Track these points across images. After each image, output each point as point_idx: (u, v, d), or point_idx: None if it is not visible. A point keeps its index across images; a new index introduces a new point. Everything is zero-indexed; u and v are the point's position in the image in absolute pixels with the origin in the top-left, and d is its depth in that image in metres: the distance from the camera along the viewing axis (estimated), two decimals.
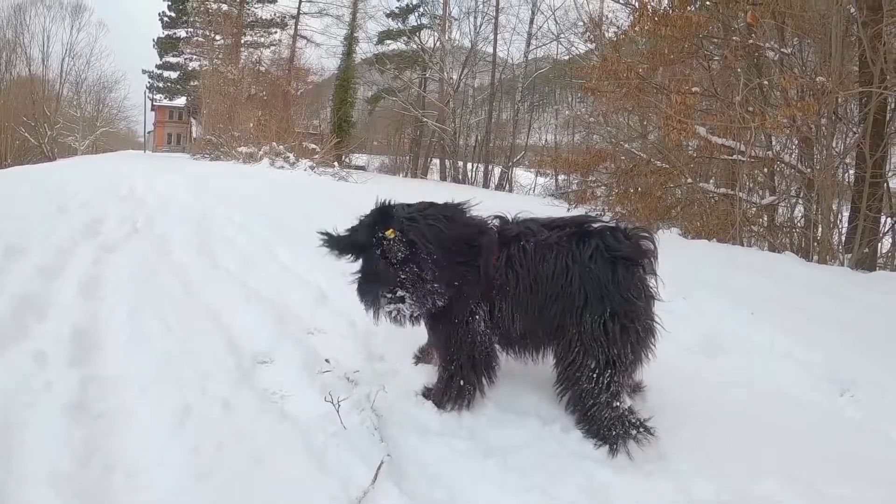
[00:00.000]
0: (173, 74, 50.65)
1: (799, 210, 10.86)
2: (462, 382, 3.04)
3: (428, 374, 3.36)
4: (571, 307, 2.88)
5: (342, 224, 3.11)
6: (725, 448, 2.81)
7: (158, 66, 51.25)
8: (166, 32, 49.00)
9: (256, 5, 45.44)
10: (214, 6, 42.48)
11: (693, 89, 11.65)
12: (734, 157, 10.57)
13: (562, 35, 32.50)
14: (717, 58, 11.94)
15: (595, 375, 2.85)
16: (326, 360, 3.51)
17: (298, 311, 4.47)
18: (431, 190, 21.38)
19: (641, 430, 2.82)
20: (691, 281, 5.83)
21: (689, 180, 11.61)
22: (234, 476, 2.38)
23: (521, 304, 2.97)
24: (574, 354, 2.88)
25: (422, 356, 3.55)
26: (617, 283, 2.86)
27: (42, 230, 6.75)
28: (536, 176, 32.44)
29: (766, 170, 11.23)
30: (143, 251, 6.40)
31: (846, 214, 9.78)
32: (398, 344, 3.56)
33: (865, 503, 2.47)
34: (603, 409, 2.85)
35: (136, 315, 4.19)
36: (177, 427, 2.76)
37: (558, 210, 11.55)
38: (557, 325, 2.93)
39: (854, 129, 9.72)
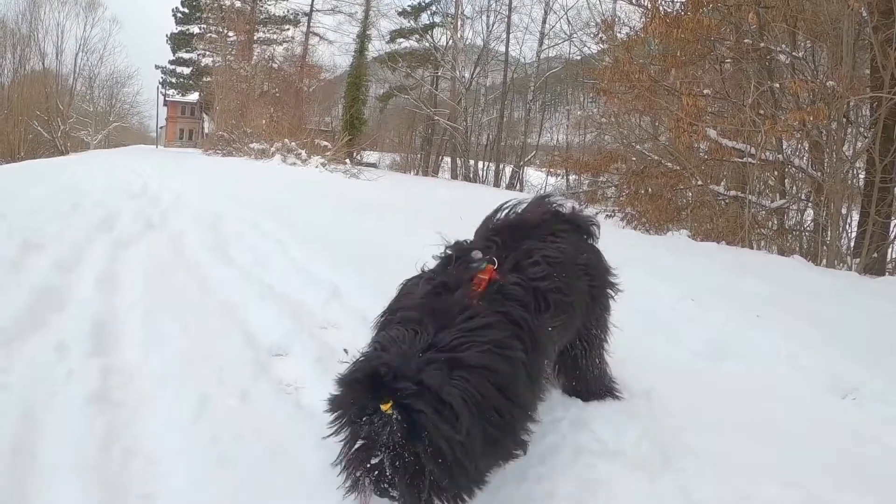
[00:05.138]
0: (186, 70, 50.96)
1: (809, 214, 10.88)
2: None
3: None
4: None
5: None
6: (728, 453, 2.84)
7: (171, 62, 51.63)
8: (179, 28, 49.30)
9: (269, 2, 45.56)
10: (227, 3, 42.61)
11: (704, 92, 11.69)
12: (744, 160, 10.60)
13: (574, 35, 32.55)
14: (728, 60, 11.97)
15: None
16: (345, 350, 3.59)
17: (312, 308, 4.56)
18: (441, 187, 21.47)
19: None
20: (699, 283, 5.89)
21: (700, 182, 11.65)
22: (253, 465, 2.46)
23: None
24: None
25: None
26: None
27: (57, 226, 6.84)
28: (547, 175, 32.44)
29: (776, 173, 11.25)
30: (158, 248, 6.51)
31: (856, 219, 9.80)
32: None
33: None
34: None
35: (154, 310, 4.28)
36: (195, 417, 2.84)
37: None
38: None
39: (865, 134, 9.73)
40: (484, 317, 2.14)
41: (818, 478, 2.69)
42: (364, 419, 1.87)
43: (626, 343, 3.17)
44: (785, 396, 3.76)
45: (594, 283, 2.94)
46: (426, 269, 2.63)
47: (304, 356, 3.60)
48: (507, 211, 2.99)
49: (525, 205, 3.05)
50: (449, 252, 2.67)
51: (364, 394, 1.87)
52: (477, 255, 2.55)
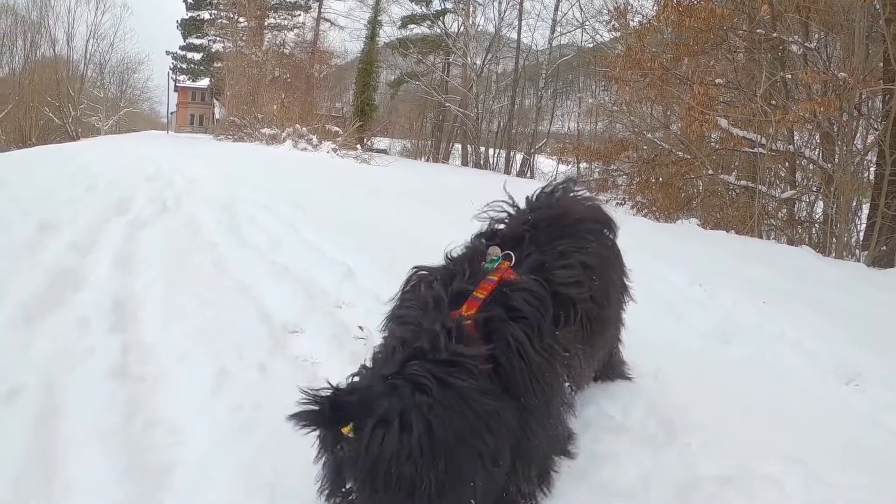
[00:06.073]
0: (197, 56, 50.86)
1: (819, 206, 10.90)
2: None
3: None
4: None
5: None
6: (733, 431, 2.89)
7: (182, 48, 51.51)
8: (190, 14, 49.13)
9: None
10: None
11: (716, 81, 11.69)
12: (755, 150, 10.61)
13: (586, 23, 32.39)
14: (740, 50, 11.96)
15: None
16: (360, 327, 3.66)
17: (326, 287, 4.64)
18: (451, 173, 21.51)
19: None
20: (708, 269, 5.96)
21: (710, 172, 11.67)
22: (273, 433, 2.50)
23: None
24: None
25: None
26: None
27: (72, 209, 6.94)
28: (558, 163, 32.37)
29: (786, 164, 11.26)
30: (172, 229, 6.62)
31: (866, 211, 9.81)
32: None
33: (862, 490, 2.53)
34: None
35: (171, 289, 4.39)
36: (215, 389, 2.93)
37: None
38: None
39: (876, 126, 9.73)
40: (451, 363, 1.88)
41: (821, 457, 2.74)
42: (334, 446, 1.80)
43: (635, 325, 3.20)
44: (790, 379, 3.83)
45: (620, 286, 2.88)
46: (452, 255, 2.47)
47: (320, 333, 3.69)
48: (546, 200, 2.80)
49: (564, 193, 2.86)
50: (469, 245, 2.53)
51: (323, 421, 1.78)
52: (494, 251, 2.35)
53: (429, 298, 2.16)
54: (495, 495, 2.03)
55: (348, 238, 6.09)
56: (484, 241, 2.51)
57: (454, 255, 2.47)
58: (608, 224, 2.91)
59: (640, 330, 3.28)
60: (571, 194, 2.89)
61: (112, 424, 2.65)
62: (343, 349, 3.40)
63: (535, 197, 2.83)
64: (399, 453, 1.68)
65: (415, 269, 2.42)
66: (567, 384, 2.33)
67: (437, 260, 2.48)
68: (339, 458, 1.80)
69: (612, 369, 3.16)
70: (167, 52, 52.28)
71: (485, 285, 2.16)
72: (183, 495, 2.27)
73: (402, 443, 1.68)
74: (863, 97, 9.59)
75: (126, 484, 2.29)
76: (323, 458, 1.87)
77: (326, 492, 1.88)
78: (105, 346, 3.36)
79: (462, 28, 38.17)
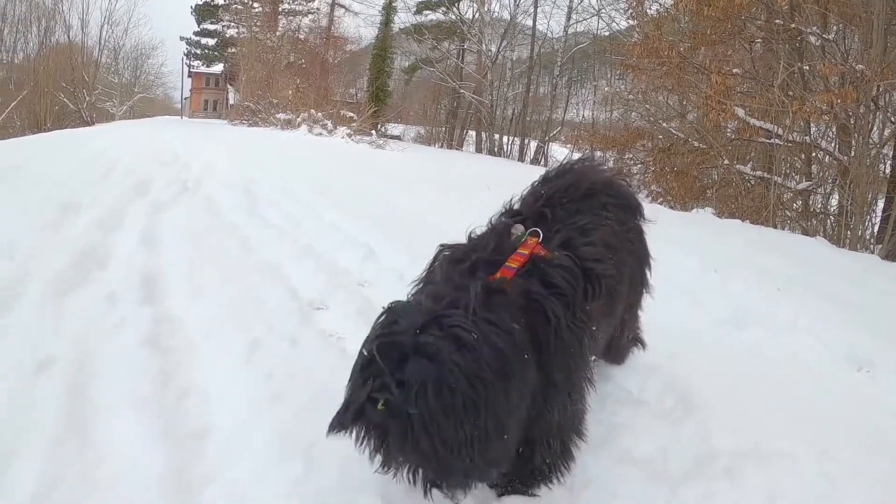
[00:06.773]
0: (211, 41, 50.91)
1: (834, 198, 10.88)
2: None
3: None
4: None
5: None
6: (746, 409, 2.96)
7: (196, 34, 51.55)
8: (204, 0, 49.24)
9: None
10: None
11: (734, 71, 11.68)
12: (772, 140, 10.60)
13: (603, 10, 32.18)
14: (758, 40, 11.93)
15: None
16: (383, 308, 3.73)
17: (348, 266, 4.74)
18: (466, 160, 21.51)
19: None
20: (723, 256, 6.00)
21: (726, 162, 11.66)
22: (308, 401, 2.61)
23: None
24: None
25: None
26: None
27: (92, 192, 7.05)
28: (572, 151, 32.23)
29: (802, 156, 11.25)
30: (194, 210, 6.74)
31: (881, 205, 9.80)
32: None
33: (869, 470, 2.58)
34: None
35: (198, 265, 4.51)
36: (247, 359, 3.04)
37: None
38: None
39: (893, 120, 9.71)
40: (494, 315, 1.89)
41: (830, 436, 2.82)
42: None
43: (652, 308, 3.27)
44: (802, 364, 3.87)
45: (637, 267, 2.89)
46: (474, 235, 2.44)
47: (345, 309, 3.78)
48: (556, 177, 2.74)
49: (574, 168, 2.81)
50: (493, 223, 2.49)
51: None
52: (519, 228, 2.35)
53: (459, 268, 2.16)
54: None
55: (367, 221, 6.16)
56: (505, 220, 2.50)
57: (477, 234, 2.46)
58: (627, 201, 2.90)
59: (656, 313, 3.34)
60: (587, 163, 2.88)
61: (146, 392, 2.75)
62: (368, 325, 3.46)
63: (550, 171, 2.83)
64: (438, 403, 1.71)
65: (441, 247, 2.40)
66: (592, 358, 2.39)
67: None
68: (381, 429, 1.80)
69: (627, 352, 3.23)
70: (181, 38, 52.43)
71: (516, 258, 2.15)
72: (220, 460, 2.34)
73: (443, 393, 1.72)
74: (880, 90, 9.55)
75: (162, 449, 2.38)
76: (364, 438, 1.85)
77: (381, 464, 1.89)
78: (135, 318, 3.47)
79: (477, 14, 37.93)
